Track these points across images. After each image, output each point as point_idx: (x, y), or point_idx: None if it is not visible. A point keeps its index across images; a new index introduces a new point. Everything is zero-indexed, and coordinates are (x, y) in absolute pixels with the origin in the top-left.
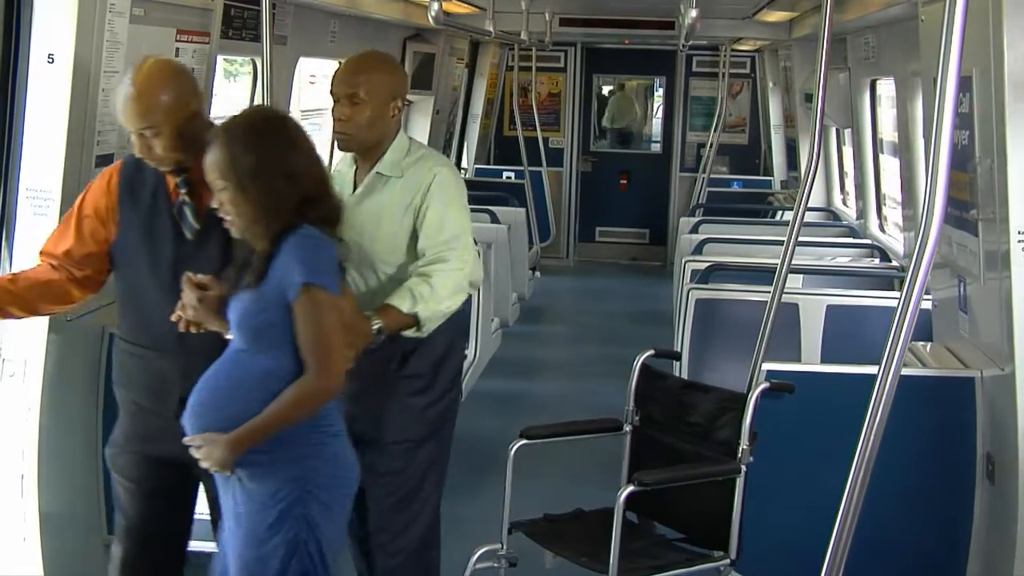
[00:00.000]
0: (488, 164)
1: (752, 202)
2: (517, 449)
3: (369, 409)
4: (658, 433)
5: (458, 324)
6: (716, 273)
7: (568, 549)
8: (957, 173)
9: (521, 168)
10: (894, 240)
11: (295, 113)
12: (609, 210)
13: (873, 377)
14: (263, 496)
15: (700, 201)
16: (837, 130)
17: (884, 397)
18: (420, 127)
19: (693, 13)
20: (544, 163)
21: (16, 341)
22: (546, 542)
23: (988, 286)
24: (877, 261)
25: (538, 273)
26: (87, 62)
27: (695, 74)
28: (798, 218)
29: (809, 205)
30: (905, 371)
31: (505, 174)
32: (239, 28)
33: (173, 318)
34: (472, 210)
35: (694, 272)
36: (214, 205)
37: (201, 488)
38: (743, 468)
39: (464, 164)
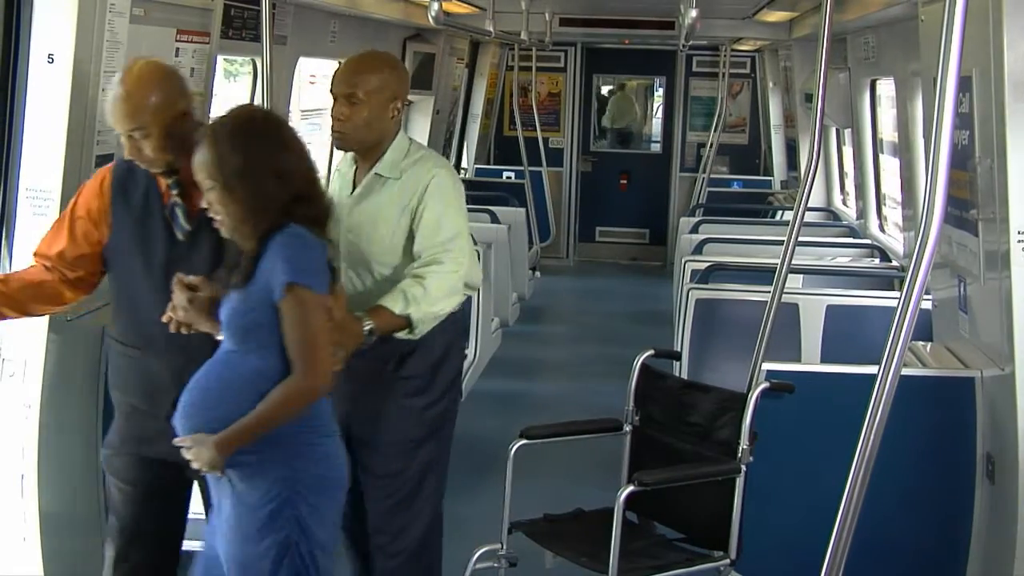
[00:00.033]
0: (488, 164)
1: (752, 202)
2: (517, 449)
3: (367, 410)
4: (658, 433)
5: (457, 325)
6: (716, 273)
7: (568, 549)
8: (957, 173)
9: (521, 168)
10: (894, 240)
11: (295, 113)
12: (609, 210)
13: (873, 377)
14: (253, 497)
15: (700, 201)
16: (837, 130)
17: (884, 397)
18: (420, 127)
19: (693, 13)
20: (544, 163)
21: (16, 341)
22: (546, 542)
23: (988, 286)
24: (877, 261)
25: (538, 273)
26: (87, 62)
27: (695, 74)
28: (798, 218)
29: (809, 205)
30: (905, 371)
31: (505, 174)
32: (239, 28)
33: (164, 319)
34: (472, 210)
35: (694, 272)
36: (204, 205)
37: (196, 488)
38: (743, 468)
39: (464, 164)
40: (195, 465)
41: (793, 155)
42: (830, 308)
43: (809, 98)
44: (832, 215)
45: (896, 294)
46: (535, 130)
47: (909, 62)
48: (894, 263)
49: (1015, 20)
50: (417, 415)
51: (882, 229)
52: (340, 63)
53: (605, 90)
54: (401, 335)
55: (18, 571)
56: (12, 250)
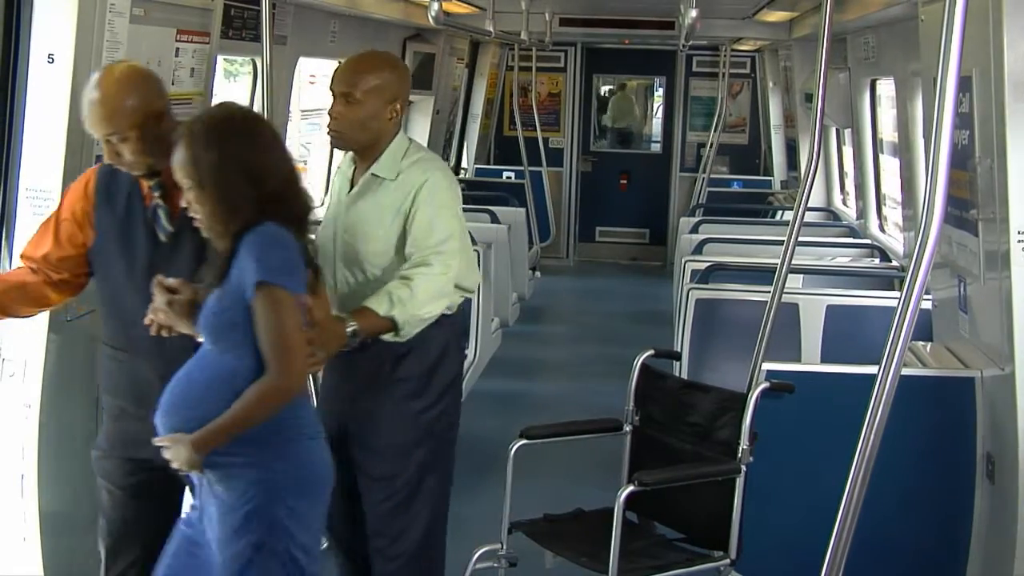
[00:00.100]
0: (488, 164)
1: (752, 202)
2: (517, 449)
3: (364, 411)
4: (658, 433)
5: (455, 327)
6: (716, 273)
7: (568, 549)
8: (957, 173)
9: (521, 168)
10: (894, 240)
11: (295, 113)
12: (609, 210)
13: (873, 377)
14: (231, 498)
15: (700, 201)
16: (837, 130)
17: (884, 397)
18: (420, 127)
19: (693, 13)
20: (544, 163)
21: (16, 341)
22: (546, 542)
23: (988, 286)
24: (877, 261)
25: (538, 273)
26: (87, 62)
27: (695, 74)
28: (798, 218)
29: (809, 205)
30: (905, 371)
31: (505, 174)
32: (239, 28)
33: (146, 321)
34: (472, 210)
35: (694, 272)
36: (184, 205)
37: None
38: (743, 468)
39: (464, 164)
40: (174, 465)
41: (793, 155)
42: (830, 308)
43: (809, 98)
44: (832, 215)
45: (896, 294)
46: (535, 130)
47: (909, 62)
48: (894, 263)
49: (1015, 20)
50: (413, 418)
51: (882, 229)
52: (340, 62)
53: (605, 90)
54: (387, 337)
55: (18, 571)
56: (12, 250)
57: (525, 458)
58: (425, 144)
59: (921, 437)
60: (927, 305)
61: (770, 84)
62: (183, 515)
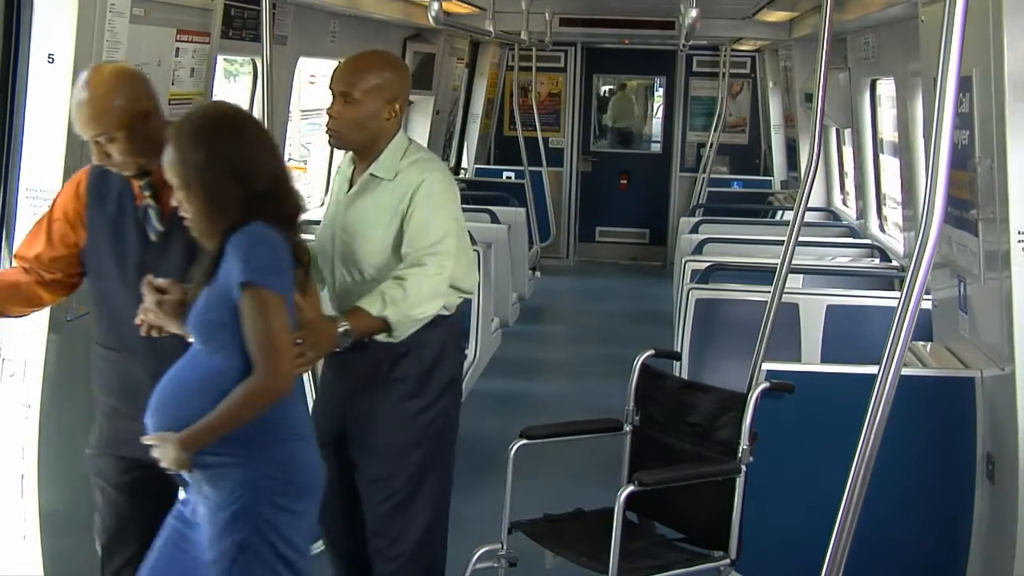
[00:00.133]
0: (488, 164)
1: (752, 202)
2: (517, 449)
3: (362, 412)
4: (658, 433)
5: (453, 328)
6: (716, 273)
7: (568, 549)
8: (957, 172)
9: (521, 168)
10: (894, 240)
11: (295, 113)
12: (609, 210)
13: (873, 377)
14: (219, 498)
15: (700, 201)
16: (837, 130)
17: (884, 397)
18: (420, 127)
19: (693, 13)
20: (544, 163)
21: (16, 341)
22: (546, 542)
23: (988, 286)
24: (877, 261)
25: (538, 273)
26: (87, 62)
27: (695, 74)
28: (798, 218)
29: (809, 205)
30: (905, 371)
31: (505, 174)
32: (239, 28)
33: (136, 321)
34: (472, 210)
35: (694, 272)
36: (174, 204)
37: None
38: (743, 468)
39: (464, 164)
40: (162, 464)
41: (793, 155)
42: (830, 308)
43: (809, 98)
44: (832, 215)
45: (896, 294)
46: (535, 130)
47: (909, 62)
48: (894, 263)
49: (1015, 20)
50: (411, 419)
51: (882, 229)
52: (339, 62)
53: (605, 90)
54: (381, 338)
55: (18, 571)
56: (12, 250)
57: (525, 458)
58: (425, 144)
59: (921, 437)
60: (927, 305)
61: (770, 84)
62: (174, 508)
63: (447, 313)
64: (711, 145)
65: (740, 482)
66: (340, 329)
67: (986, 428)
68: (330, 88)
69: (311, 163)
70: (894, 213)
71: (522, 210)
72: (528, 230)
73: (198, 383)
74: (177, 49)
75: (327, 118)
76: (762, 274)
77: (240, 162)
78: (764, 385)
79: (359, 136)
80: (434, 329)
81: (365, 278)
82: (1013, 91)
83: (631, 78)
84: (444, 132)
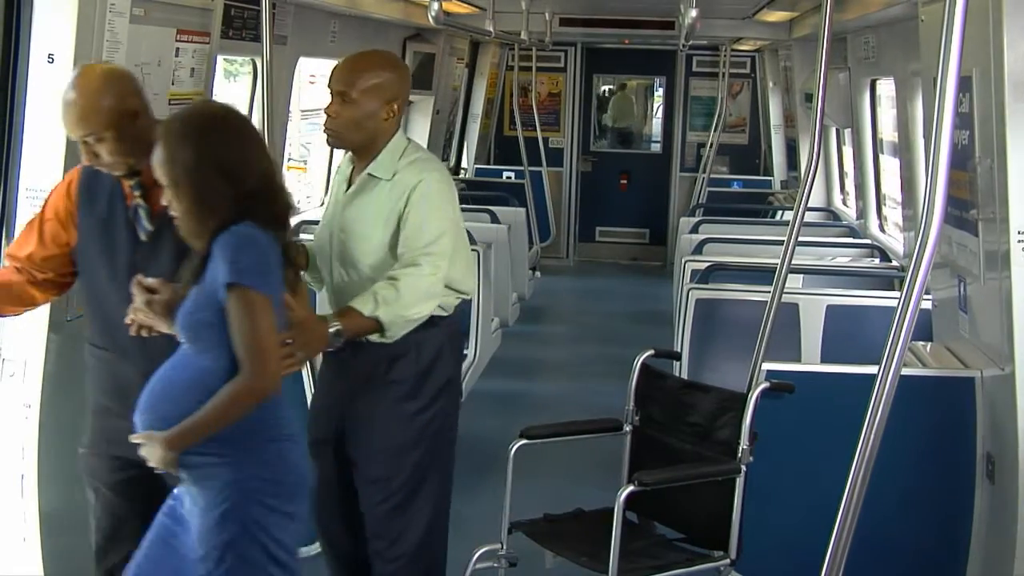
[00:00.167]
0: (488, 164)
1: (752, 202)
2: (517, 449)
3: (359, 413)
4: (658, 433)
5: (450, 329)
6: (716, 273)
7: (568, 549)
8: (957, 172)
9: (521, 168)
10: (894, 240)
11: (295, 113)
12: (609, 210)
13: (873, 377)
14: (207, 498)
15: (700, 201)
16: (837, 130)
17: (884, 397)
18: (420, 127)
19: (693, 13)
20: (544, 163)
21: (16, 341)
22: (546, 542)
23: (988, 286)
24: (877, 261)
25: (538, 273)
26: (87, 62)
27: (695, 74)
28: (798, 218)
29: (809, 205)
30: (905, 371)
31: (505, 174)
32: (239, 28)
33: (126, 321)
34: (472, 210)
35: (694, 272)
36: (164, 204)
37: None
38: (743, 468)
39: (464, 164)
40: (149, 463)
41: (793, 155)
42: (830, 308)
43: (809, 98)
44: (832, 215)
45: (896, 294)
46: (535, 130)
47: (909, 62)
48: (894, 263)
49: (1015, 20)
50: (407, 420)
51: (882, 229)
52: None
53: (605, 90)
54: (374, 338)
55: (18, 571)
56: None
57: (525, 458)
58: (425, 144)
59: (921, 437)
60: (927, 305)
61: (770, 84)
62: (165, 505)
63: (445, 314)
64: (711, 145)
65: (740, 482)
66: (332, 329)
67: (986, 428)
68: (328, 87)
69: (311, 163)
70: (894, 213)
71: (522, 210)
72: (528, 230)
73: (186, 383)
74: (177, 49)
75: (325, 117)
76: (762, 274)
77: (229, 161)
78: (764, 385)
79: (357, 136)
80: (432, 330)
81: (363, 278)
82: (1013, 91)
83: (631, 78)
84: (444, 132)
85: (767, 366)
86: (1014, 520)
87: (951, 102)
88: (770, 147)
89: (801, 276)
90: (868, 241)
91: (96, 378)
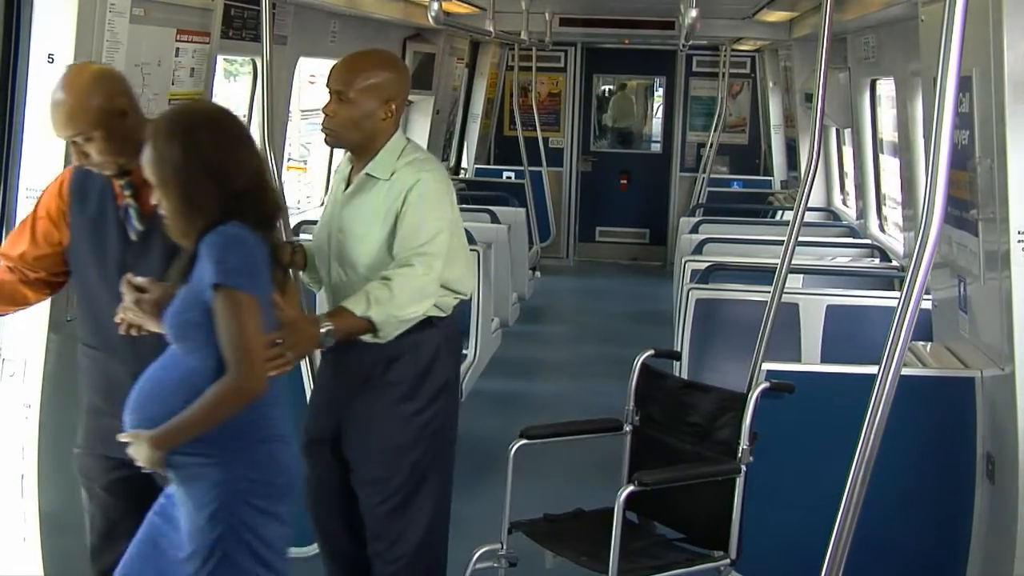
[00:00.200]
0: (488, 164)
1: (752, 202)
2: (517, 449)
3: (356, 414)
4: (658, 433)
5: (448, 329)
6: (716, 273)
7: (568, 549)
8: (957, 172)
9: (521, 168)
10: (894, 240)
11: (295, 113)
12: (609, 210)
13: (873, 377)
14: (195, 498)
15: (700, 201)
16: (837, 130)
17: (884, 397)
18: (420, 127)
19: (693, 13)
20: (544, 163)
21: (16, 341)
22: (546, 542)
23: (988, 286)
24: (877, 261)
25: (538, 273)
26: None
27: (695, 74)
28: (798, 218)
29: (809, 205)
30: (905, 371)
31: (505, 174)
32: (239, 28)
33: (116, 320)
34: (472, 210)
35: (694, 272)
36: (154, 202)
37: None
38: (743, 468)
39: (464, 164)
40: (137, 462)
41: (793, 155)
42: (830, 308)
43: (809, 98)
44: (832, 215)
45: (896, 294)
46: (535, 130)
47: (909, 62)
48: (894, 263)
49: (1015, 20)
50: (406, 421)
51: (882, 229)
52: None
53: (605, 90)
54: (367, 338)
55: (18, 571)
56: None
57: (525, 458)
58: (425, 144)
59: (921, 437)
60: (927, 305)
61: (770, 84)
62: (156, 504)
63: (443, 314)
64: (711, 145)
65: (740, 482)
66: (323, 329)
67: (986, 428)
68: (327, 86)
69: (311, 163)
70: (894, 213)
71: (522, 210)
72: (528, 230)
73: (174, 383)
74: (177, 49)
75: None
76: (762, 274)
77: (218, 161)
78: (764, 385)
79: (354, 135)
80: (429, 331)
81: (361, 278)
82: (1013, 91)
83: (631, 78)
84: (444, 132)
85: (767, 366)
86: (1014, 520)
87: (951, 102)
88: (770, 147)
89: (801, 276)
90: (868, 241)
91: (88, 378)
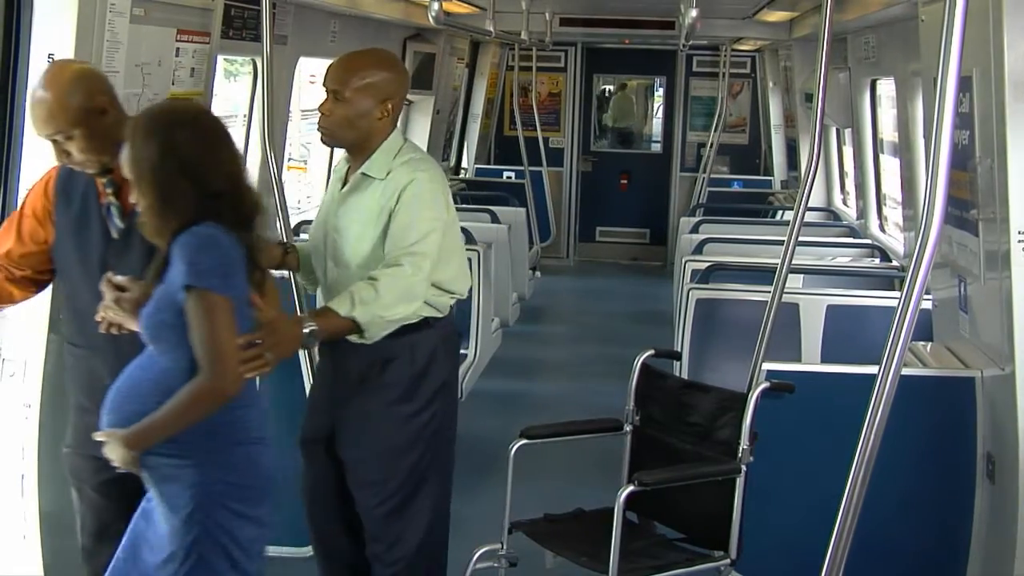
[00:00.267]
0: (488, 164)
1: (752, 202)
2: (517, 449)
3: (353, 413)
4: (658, 433)
5: (445, 330)
6: (716, 273)
7: (568, 549)
8: (957, 172)
9: (521, 168)
10: (894, 240)
11: (295, 113)
12: (609, 210)
13: (873, 377)
14: (170, 500)
15: (700, 201)
16: (837, 130)
17: (884, 397)
18: (420, 127)
19: (693, 13)
20: (544, 163)
21: (16, 341)
22: (546, 542)
23: (988, 286)
24: (877, 261)
25: (538, 273)
26: (87, 62)
27: (695, 74)
28: (798, 218)
29: (809, 205)
30: (905, 371)
31: (505, 174)
32: (239, 28)
33: (97, 319)
34: (472, 210)
35: (694, 272)
36: (133, 200)
37: None
38: (743, 468)
39: (464, 164)
40: (113, 462)
41: (793, 155)
42: (830, 308)
43: (809, 98)
44: (832, 215)
45: (896, 294)
46: (535, 130)
47: (909, 62)
48: (894, 263)
49: (1015, 20)
50: (403, 422)
51: (882, 229)
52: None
53: (605, 90)
54: (354, 339)
55: (18, 571)
56: None
57: (525, 458)
58: (425, 144)
59: (921, 437)
60: (927, 305)
61: (770, 84)
62: (140, 507)
63: (439, 315)
64: (711, 145)
65: (740, 482)
66: (306, 329)
67: (986, 428)
68: (323, 85)
69: (311, 163)
70: (894, 213)
71: (522, 210)
72: (528, 230)
73: (150, 383)
74: (177, 49)
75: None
76: (762, 274)
77: (195, 161)
78: (764, 385)
79: (350, 134)
80: (426, 331)
81: (356, 277)
82: (1013, 91)
83: (631, 78)
84: (444, 132)
85: (767, 366)
86: (1014, 520)
87: (951, 102)
88: (770, 147)
89: (801, 276)
90: (868, 241)
91: (74, 376)
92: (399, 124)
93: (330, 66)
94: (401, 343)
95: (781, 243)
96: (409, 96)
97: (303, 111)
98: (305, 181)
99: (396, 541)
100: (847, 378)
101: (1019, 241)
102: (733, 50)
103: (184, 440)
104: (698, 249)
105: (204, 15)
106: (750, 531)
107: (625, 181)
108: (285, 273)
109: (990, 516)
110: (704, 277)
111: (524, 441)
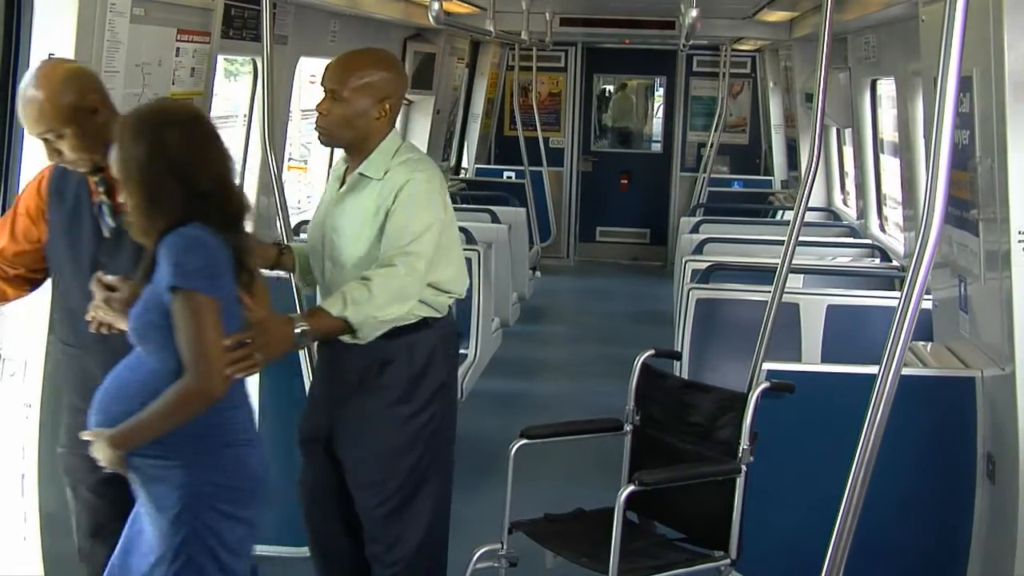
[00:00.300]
0: (488, 164)
1: (752, 202)
2: (517, 449)
3: (351, 416)
4: (659, 433)
5: (444, 331)
6: (716, 273)
7: (568, 549)
8: (957, 172)
9: (521, 168)
10: (894, 240)
11: (295, 113)
12: (609, 210)
13: (873, 377)
14: (158, 501)
15: (700, 201)
16: (837, 130)
17: (884, 397)
18: (420, 127)
19: (693, 13)
20: (544, 163)
21: (16, 341)
22: (546, 542)
23: (988, 286)
24: (877, 261)
25: (538, 273)
26: (87, 62)
27: (695, 74)
28: (798, 218)
29: (809, 205)
30: (905, 371)
31: (505, 174)
32: (239, 28)
33: (87, 318)
34: (472, 210)
35: (694, 272)
36: (122, 199)
37: None
38: (743, 468)
39: (464, 164)
40: (100, 462)
41: (793, 155)
42: (830, 308)
43: (809, 98)
44: (832, 215)
45: (896, 294)
46: (535, 130)
47: (909, 62)
48: (894, 263)
49: (1015, 20)
50: (402, 423)
51: (882, 229)
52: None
53: (606, 89)
54: (346, 339)
55: (18, 571)
56: None
57: (525, 458)
58: (426, 144)
59: (921, 437)
60: (927, 305)
61: (770, 84)
62: (134, 511)
63: (438, 315)
64: (711, 145)
65: (740, 482)
66: (298, 330)
67: (986, 428)
68: (321, 84)
69: (311, 163)
70: (894, 213)
71: (522, 210)
72: (528, 230)
73: (137, 384)
74: (177, 49)
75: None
76: (762, 274)
77: (184, 161)
78: (764, 385)
79: (347, 134)
80: (424, 332)
81: (353, 277)
82: (1013, 91)
83: (631, 78)
84: (444, 132)
85: (767, 366)
86: (1014, 520)
87: (951, 102)
88: (770, 147)
89: (801, 276)
90: (868, 241)
91: (66, 375)
92: (398, 124)
93: (328, 65)
94: (399, 344)
95: (781, 243)
96: (409, 96)
97: (303, 111)
98: (305, 181)
99: (396, 542)
100: (847, 378)
101: (1019, 241)
102: (733, 50)
103: (170, 442)
104: (698, 249)
105: (204, 15)
106: (750, 531)
107: (625, 181)
108: (285, 274)
109: (990, 516)
110: (704, 277)
111: (524, 441)
